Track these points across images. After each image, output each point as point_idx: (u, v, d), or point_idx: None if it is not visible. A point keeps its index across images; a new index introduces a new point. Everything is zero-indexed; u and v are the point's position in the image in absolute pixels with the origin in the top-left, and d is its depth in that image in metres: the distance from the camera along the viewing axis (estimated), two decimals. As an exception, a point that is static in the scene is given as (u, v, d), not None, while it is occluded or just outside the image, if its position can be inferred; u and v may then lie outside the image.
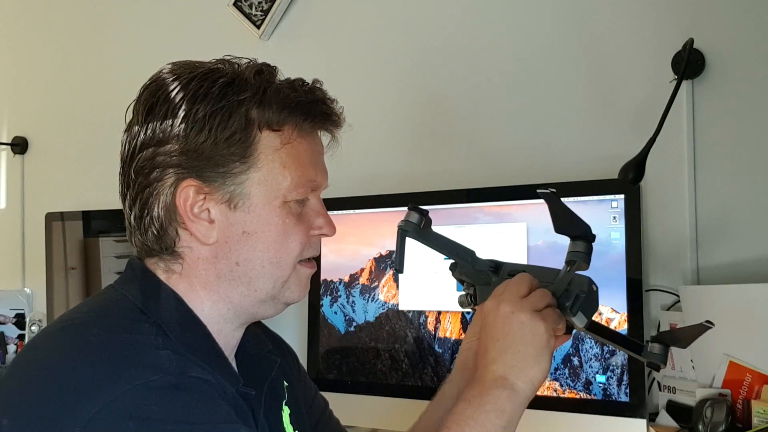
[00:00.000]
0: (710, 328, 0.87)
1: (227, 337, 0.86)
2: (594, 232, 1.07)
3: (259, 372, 0.91)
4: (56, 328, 0.80)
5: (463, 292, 0.98)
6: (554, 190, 0.84)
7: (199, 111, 0.79)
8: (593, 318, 0.87)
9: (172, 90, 0.81)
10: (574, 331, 0.90)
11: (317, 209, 0.88)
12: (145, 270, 0.84)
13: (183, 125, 0.79)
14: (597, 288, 0.86)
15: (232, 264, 0.83)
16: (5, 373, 0.77)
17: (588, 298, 0.85)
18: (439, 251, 0.96)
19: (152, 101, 0.82)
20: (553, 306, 0.84)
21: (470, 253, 0.95)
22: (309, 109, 0.84)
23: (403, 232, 0.94)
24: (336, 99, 0.87)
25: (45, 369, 0.73)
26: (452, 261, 0.96)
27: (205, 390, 0.73)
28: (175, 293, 0.83)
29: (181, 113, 0.80)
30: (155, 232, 0.82)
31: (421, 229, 0.94)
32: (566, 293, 0.85)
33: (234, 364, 0.90)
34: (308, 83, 0.86)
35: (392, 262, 1.43)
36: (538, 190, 0.85)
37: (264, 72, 0.84)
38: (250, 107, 0.81)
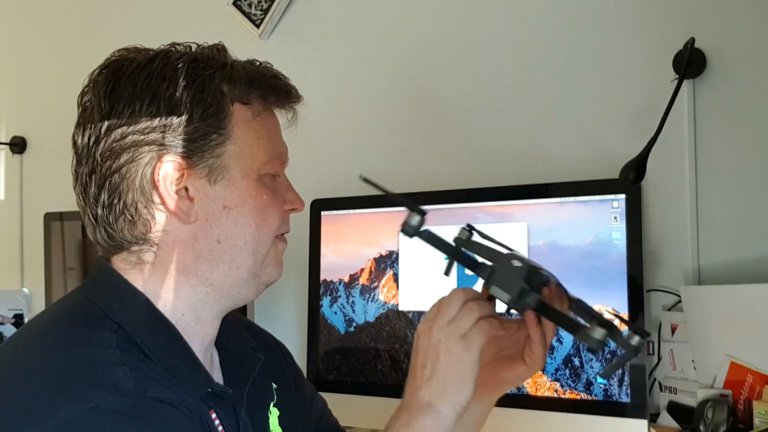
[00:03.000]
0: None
1: (205, 327, 0.85)
2: (595, 232, 1.06)
3: (241, 369, 0.90)
4: (17, 339, 0.80)
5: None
6: (366, 177, 0.87)
7: (168, 88, 0.79)
8: (528, 299, 0.84)
9: (135, 70, 0.80)
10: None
11: (286, 184, 0.89)
12: (111, 271, 0.83)
13: (154, 104, 0.78)
14: (523, 265, 0.84)
15: (213, 242, 0.82)
16: None
17: (502, 271, 0.84)
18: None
19: (113, 82, 0.80)
20: (485, 316, 0.83)
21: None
22: (272, 83, 0.86)
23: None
24: (287, 77, 0.89)
25: (1, 383, 0.72)
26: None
27: (163, 413, 0.71)
28: (141, 294, 0.81)
29: (150, 91, 0.79)
30: (129, 217, 0.80)
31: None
32: (482, 268, 0.87)
33: (216, 358, 0.89)
34: (260, 61, 0.87)
35: (393, 261, 1.43)
36: (360, 177, 0.88)
37: (222, 50, 0.85)
38: (222, 81, 0.81)
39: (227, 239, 0.82)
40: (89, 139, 0.80)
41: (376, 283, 1.45)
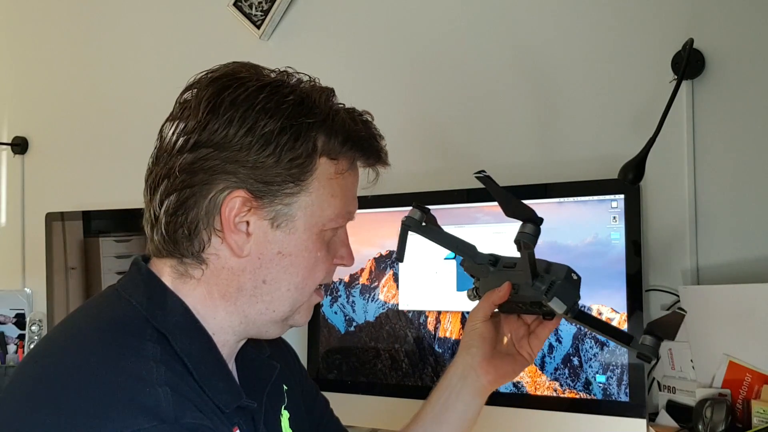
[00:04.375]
0: (684, 315, 0.90)
1: (231, 348, 0.86)
2: (594, 232, 1.06)
3: (259, 378, 0.91)
4: (58, 342, 0.79)
5: (472, 286, 1.03)
6: (486, 173, 0.88)
7: (267, 125, 0.77)
8: (578, 307, 0.89)
9: (241, 94, 0.79)
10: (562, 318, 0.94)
11: (343, 239, 0.89)
12: (152, 274, 0.83)
13: (248, 136, 0.77)
14: (579, 277, 0.88)
15: (258, 281, 0.82)
16: (5, 389, 0.74)
17: (565, 285, 0.87)
18: (441, 245, 1.02)
19: (216, 101, 0.79)
20: None
21: (471, 248, 1.01)
22: (368, 145, 0.86)
23: (405, 227, 1.01)
24: (383, 136, 0.88)
25: (43, 394, 0.71)
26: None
27: None
28: (182, 301, 0.81)
29: (248, 123, 0.77)
30: (186, 232, 0.80)
31: (422, 226, 1.01)
32: (541, 279, 0.88)
33: (234, 370, 0.89)
34: (361, 114, 0.86)
35: (392, 261, 1.43)
36: (474, 174, 0.89)
37: (330, 97, 0.84)
38: (318, 133, 0.81)
39: (273, 282, 0.82)
40: (175, 144, 0.79)
41: (376, 283, 1.46)
